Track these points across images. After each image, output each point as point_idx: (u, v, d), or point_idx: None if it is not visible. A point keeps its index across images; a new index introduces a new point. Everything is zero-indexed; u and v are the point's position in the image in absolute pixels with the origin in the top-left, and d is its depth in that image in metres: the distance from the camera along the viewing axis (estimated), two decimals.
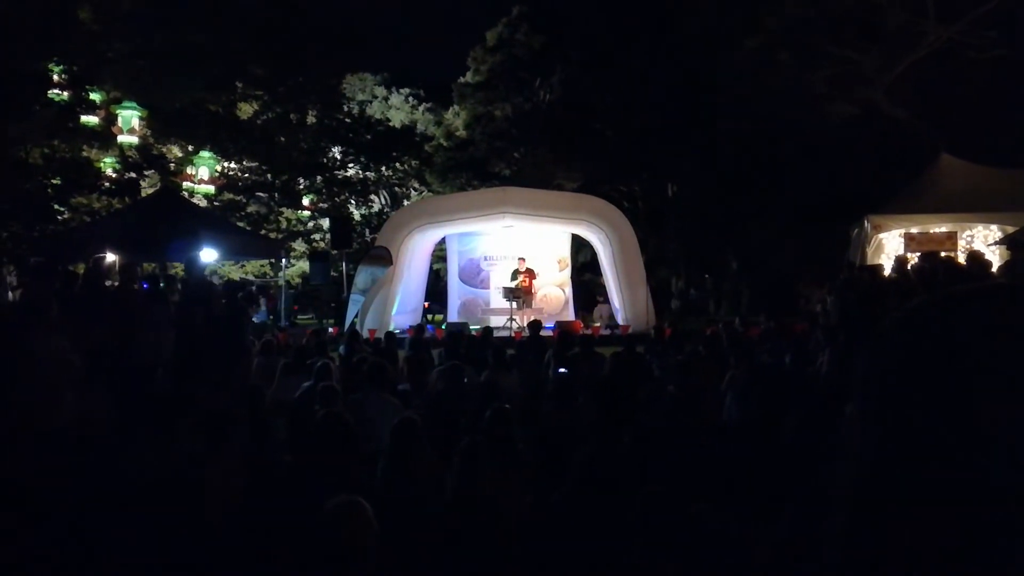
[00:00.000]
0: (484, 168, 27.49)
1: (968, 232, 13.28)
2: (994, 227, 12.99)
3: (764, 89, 18.96)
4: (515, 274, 15.65)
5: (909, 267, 9.70)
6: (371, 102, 31.83)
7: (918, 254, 11.29)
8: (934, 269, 8.77)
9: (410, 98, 32.61)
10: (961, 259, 11.16)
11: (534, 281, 15.78)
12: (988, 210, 12.77)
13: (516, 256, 16.17)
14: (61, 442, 4.38)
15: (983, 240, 13.03)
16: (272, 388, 6.76)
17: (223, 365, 6.77)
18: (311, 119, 26.61)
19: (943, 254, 11.41)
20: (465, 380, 5.99)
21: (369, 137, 28.41)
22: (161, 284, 10.38)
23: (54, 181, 16.87)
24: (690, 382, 5.87)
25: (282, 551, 2.97)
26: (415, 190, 31.12)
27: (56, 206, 16.85)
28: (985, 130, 16.49)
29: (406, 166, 30.08)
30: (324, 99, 26.03)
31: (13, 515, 3.44)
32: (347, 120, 28.67)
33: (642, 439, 4.35)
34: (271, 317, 18.13)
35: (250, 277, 26.27)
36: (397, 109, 32.00)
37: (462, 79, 28.16)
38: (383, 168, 29.78)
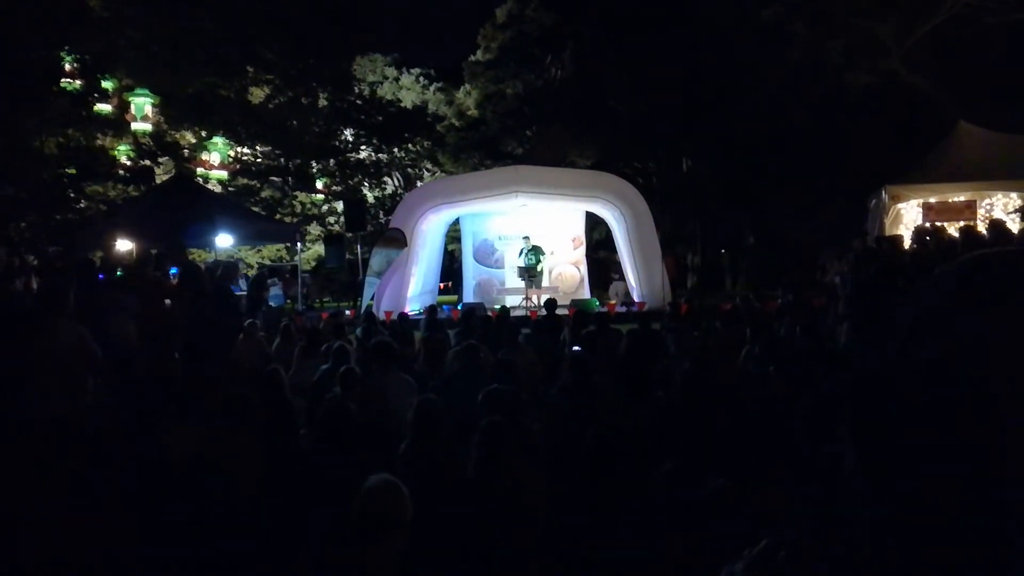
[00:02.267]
0: (496, 147, 27.37)
1: (987, 200, 13.10)
2: (1014, 195, 12.81)
3: (780, 60, 18.71)
4: (523, 252, 15.58)
5: (928, 237, 9.61)
6: (382, 83, 31.74)
7: (928, 224, 11.18)
8: (951, 240, 8.69)
9: (420, 78, 32.49)
10: (981, 228, 11.02)
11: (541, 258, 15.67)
12: (1007, 178, 12.59)
13: (523, 236, 16.13)
14: (82, 428, 4.43)
15: (1003, 208, 12.86)
16: (290, 372, 6.81)
17: (215, 345, 6.82)
18: (323, 102, 26.59)
19: (962, 223, 11.28)
20: (481, 359, 5.98)
21: (381, 119, 28.36)
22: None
23: (69, 170, 16.97)
24: (707, 358, 5.85)
25: (306, 531, 3.00)
26: (428, 171, 31.09)
27: (72, 195, 16.95)
28: (1004, 97, 16.21)
29: (418, 147, 30.03)
30: (335, 82, 25.99)
31: (36, 498, 3.49)
32: (358, 102, 28.63)
33: (658, 415, 4.35)
34: (288, 301, 18.22)
35: (266, 261, 26.40)
36: (408, 90, 31.91)
37: (472, 57, 27.98)
38: (395, 149, 29.76)
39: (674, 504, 2.80)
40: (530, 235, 15.76)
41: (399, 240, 14.27)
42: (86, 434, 4.23)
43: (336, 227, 26.51)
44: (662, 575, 2.77)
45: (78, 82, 15.78)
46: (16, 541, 3.24)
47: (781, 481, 3.23)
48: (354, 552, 2.56)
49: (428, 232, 15.78)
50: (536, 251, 15.44)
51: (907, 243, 10.71)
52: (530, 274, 15.03)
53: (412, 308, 14.15)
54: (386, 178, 30.90)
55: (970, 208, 12.92)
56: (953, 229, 11.07)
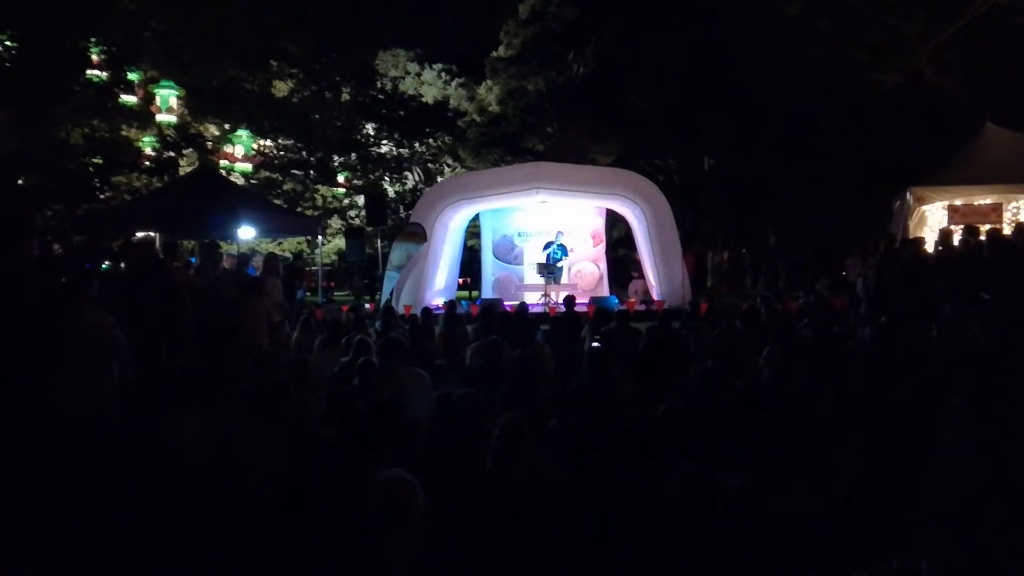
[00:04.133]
0: (517, 143, 27.34)
1: (1014, 204, 12.92)
2: None
3: (805, 58, 18.56)
4: (550, 245, 15.68)
5: (956, 240, 9.49)
6: (404, 78, 31.75)
7: (961, 227, 11.03)
8: (979, 243, 8.60)
9: (443, 73, 32.44)
10: (1007, 231, 10.88)
11: (564, 258, 15.76)
12: None
13: (553, 231, 16.16)
14: (105, 417, 4.48)
15: None
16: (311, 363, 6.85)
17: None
18: (345, 96, 26.68)
19: (987, 226, 11.14)
20: (502, 355, 5.98)
21: (402, 113, 28.41)
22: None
23: (95, 160, 17.14)
24: (727, 357, 5.82)
25: (328, 522, 3.02)
26: (448, 166, 31.09)
27: (97, 185, 17.13)
28: None
29: (439, 142, 30.06)
30: (357, 76, 26.10)
31: (59, 485, 3.53)
32: (380, 97, 28.69)
33: (678, 414, 4.33)
34: (307, 293, 18.31)
35: (287, 254, 26.55)
36: (430, 85, 31.87)
37: (495, 53, 27.92)
38: (416, 144, 29.80)
39: (691, 502, 2.79)
40: (563, 231, 15.94)
41: (419, 235, 14.30)
42: (112, 420, 4.27)
43: (357, 221, 26.61)
44: (678, 572, 2.76)
45: (104, 73, 15.93)
46: (34, 530, 3.28)
47: (800, 480, 3.22)
48: (369, 545, 2.58)
49: (448, 227, 15.80)
50: (563, 249, 15.53)
51: (930, 245, 10.59)
52: (549, 270, 15.02)
53: (432, 303, 14.19)
54: (407, 173, 30.96)
55: (996, 211, 12.74)
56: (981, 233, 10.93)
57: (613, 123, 24.06)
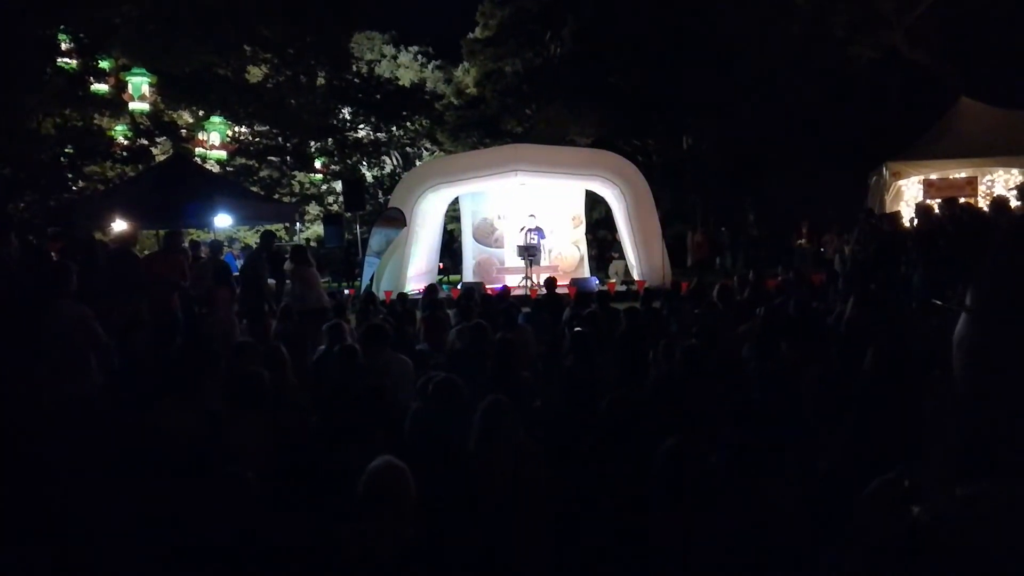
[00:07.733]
0: (496, 126, 27.23)
1: (988, 177, 13.08)
2: (1015, 171, 12.79)
3: (782, 35, 18.58)
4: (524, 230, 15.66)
5: (937, 212, 9.58)
6: (380, 61, 31.49)
7: (938, 200, 11.14)
8: (956, 215, 8.67)
9: (419, 56, 32.21)
10: (982, 204, 11.02)
11: (542, 240, 15.69)
12: (1008, 154, 12.57)
13: (528, 214, 16.13)
14: (88, 406, 4.44)
15: (1004, 185, 12.84)
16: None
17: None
18: (320, 81, 26.42)
19: (962, 200, 11.27)
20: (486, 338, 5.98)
21: (379, 97, 28.21)
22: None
23: (67, 150, 16.87)
24: (707, 335, 5.85)
25: (319, 509, 3.02)
26: (427, 150, 30.96)
27: (70, 175, 16.87)
28: (1007, 71, 16.13)
29: (417, 126, 29.91)
30: (333, 60, 25.80)
31: (41, 476, 3.50)
32: (356, 80, 28.46)
33: (660, 392, 4.37)
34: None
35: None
36: (406, 68, 31.66)
37: (471, 35, 27.75)
38: (394, 128, 29.63)
39: (676, 478, 2.82)
40: (535, 214, 15.91)
41: (398, 220, 14.24)
42: (95, 414, 4.23)
43: (335, 207, 26.45)
44: (664, 548, 2.79)
45: (75, 61, 15.65)
46: (21, 526, 3.25)
47: (782, 455, 3.25)
48: (361, 532, 2.60)
49: (428, 212, 15.74)
50: (539, 231, 15.48)
51: (906, 220, 10.68)
52: (530, 252, 15.01)
53: (411, 288, 14.14)
54: (385, 157, 30.79)
55: (971, 184, 12.90)
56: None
57: (591, 103, 23.99)
